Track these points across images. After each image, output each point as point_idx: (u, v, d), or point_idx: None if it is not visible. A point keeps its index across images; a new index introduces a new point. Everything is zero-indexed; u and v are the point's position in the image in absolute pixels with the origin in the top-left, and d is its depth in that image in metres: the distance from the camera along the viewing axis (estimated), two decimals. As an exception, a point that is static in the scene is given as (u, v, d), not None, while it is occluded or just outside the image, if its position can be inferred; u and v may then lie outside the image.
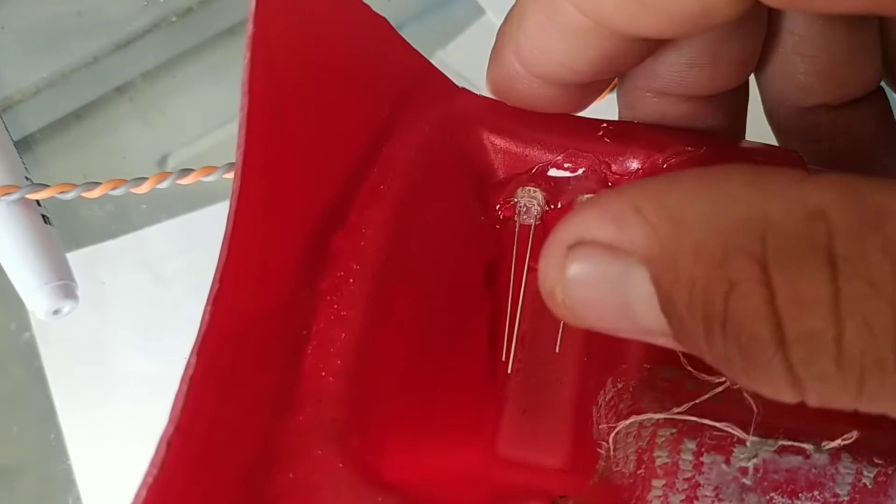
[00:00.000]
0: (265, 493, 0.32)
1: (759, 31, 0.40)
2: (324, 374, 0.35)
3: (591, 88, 0.41)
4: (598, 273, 0.26)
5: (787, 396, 0.25)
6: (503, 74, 0.39)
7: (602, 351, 0.41)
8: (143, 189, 0.52)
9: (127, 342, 0.62)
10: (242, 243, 0.32)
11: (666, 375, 0.38)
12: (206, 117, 0.67)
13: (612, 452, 0.38)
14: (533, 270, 0.45)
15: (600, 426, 0.39)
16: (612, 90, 0.48)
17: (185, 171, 0.51)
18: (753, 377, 0.26)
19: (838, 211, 0.21)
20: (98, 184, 0.53)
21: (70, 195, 0.54)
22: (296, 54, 0.36)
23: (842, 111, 0.42)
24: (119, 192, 0.52)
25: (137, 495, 0.29)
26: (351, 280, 0.36)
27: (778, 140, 0.45)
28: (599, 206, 0.25)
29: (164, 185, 0.51)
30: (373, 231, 0.37)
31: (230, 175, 0.50)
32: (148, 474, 0.29)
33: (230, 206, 0.33)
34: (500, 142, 0.41)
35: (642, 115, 0.43)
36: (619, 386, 0.39)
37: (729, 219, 0.22)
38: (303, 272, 0.35)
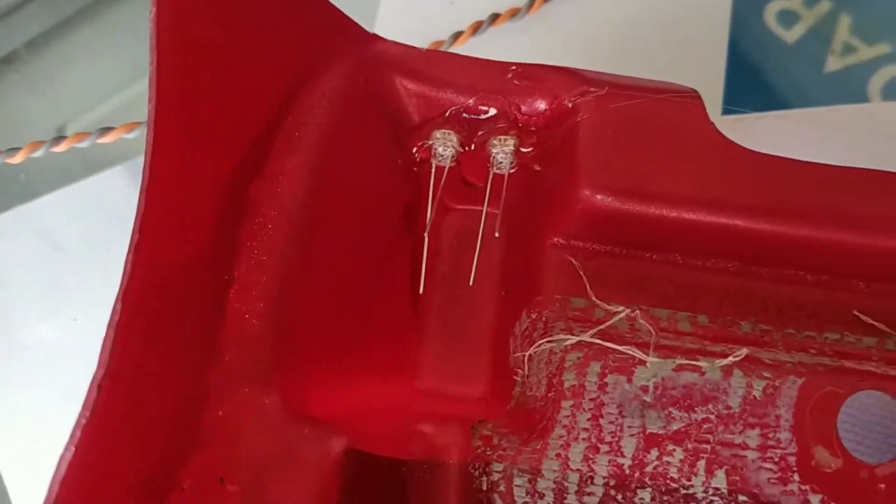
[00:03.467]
0: (196, 430, 0.34)
1: None
2: (247, 316, 0.36)
3: None
4: None
5: None
6: None
7: (518, 286, 0.44)
8: (17, 159, 0.51)
9: (28, 311, 0.62)
10: (159, 194, 0.33)
11: (576, 306, 0.41)
12: (101, 83, 0.65)
13: (526, 378, 0.40)
14: (449, 210, 0.47)
15: (516, 355, 0.41)
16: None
17: (59, 139, 0.50)
18: None
19: None
20: (-36, 156, 0.51)
21: (-63, 168, 0.52)
22: (205, 4, 0.36)
23: None
24: (-11, 163, 0.51)
25: (72, 437, 0.30)
26: (269, 226, 0.37)
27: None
28: None
29: (38, 153, 0.50)
30: (289, 178, 0.38)
31: (104, 140, 0.50)
32: (81, 416, 0.30)
33: (145, 158, 0.33)
34: (413, 86, 0.43)
35: None
36: (534, 317, 0.41)
37: None
38: (223, 220, 0.36)
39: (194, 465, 0.33)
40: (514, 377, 0.41)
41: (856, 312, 0.41)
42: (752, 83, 0.51)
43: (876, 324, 0.41)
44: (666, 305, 0.41)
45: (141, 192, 0.33)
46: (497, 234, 0.42)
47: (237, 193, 0.37)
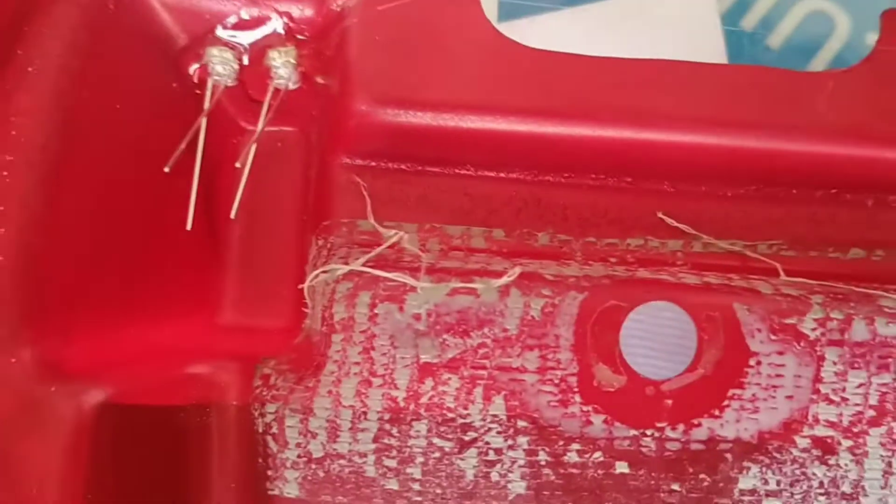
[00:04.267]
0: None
1: None
2: None
3: None
4: None
5: None
6: None
7: (313, 210, 0.41)
8: None
9: None
10: None
11: (364, 229, 0.38)
12: None
13: (312, 311, 0.38)
14: (244, 132, 0.44)
15: (300, 286, 0.39)
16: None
17: None
18: None
19: None
20: None
21: None
22: None
23: None
24: None
25: None
26: (5, 173, 0.35)
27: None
28: None
29: None
30: (26, 118, 0.35)
31: None
32: None
33: None
34: None
35: None
36: (320, 243, 0.39)
37: None
38: (-57, 171, 0.34)
39: (-70, 434, 0.32)
40: (306, 309, 0.39)
41: (660, 215, 0.39)
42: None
43: (680, 226, 0.38)
44: (460, 221, 0.39)
45: None
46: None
47: (-41, 141, 0.34)
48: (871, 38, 0.52)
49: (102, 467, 0.34)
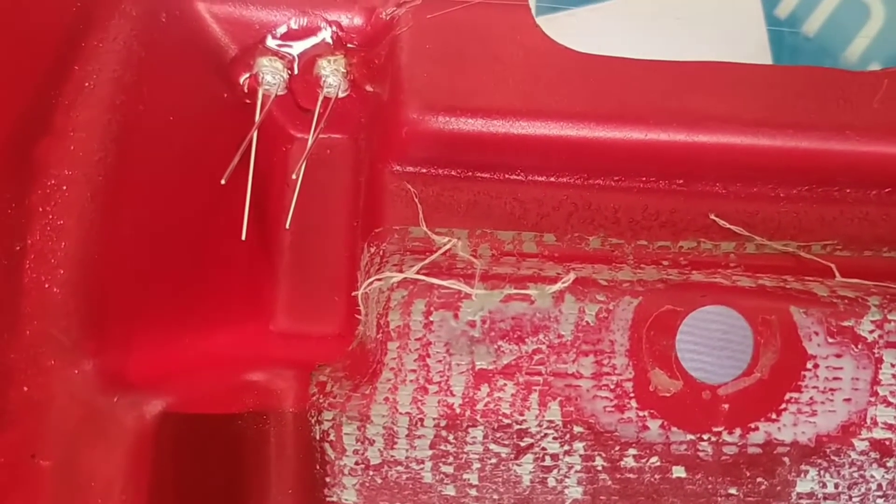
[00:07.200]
0: (1, 410, 0.33)
1: None
2: (47, 286, 0.34)
3: None
4: None
5: None
6: None
7: (365, 217, 0.41)
8: None
9: None
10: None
11: (415, 236, 0.38)
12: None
13: (366, 318, 0.38)
14: (294, 140, 0.44)
15: (353, 293, 0.39)
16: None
17: None
18: None
19: None
20: None
21: None
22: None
23: None
24: None
25: None
26: (65, 187, 0.35)
27: None
28: None
29: None
30: (83, 133, 0.36)
31: None
32: None
33: None
34: (219, 10, 0.39)
35: None
36: (373, 250, 0.39)
37: None
38: (5, 187, 0.34)
39: (3, 443, 0.33)
40: (358, 315, 0.39)
41: (713, 216, 0.38)
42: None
43: (733, 227, 0.38)
44: (511, 227, 0.39)
45: None
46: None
47: (20, 156, 0.35)
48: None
49: (164, 475, 0.34)
